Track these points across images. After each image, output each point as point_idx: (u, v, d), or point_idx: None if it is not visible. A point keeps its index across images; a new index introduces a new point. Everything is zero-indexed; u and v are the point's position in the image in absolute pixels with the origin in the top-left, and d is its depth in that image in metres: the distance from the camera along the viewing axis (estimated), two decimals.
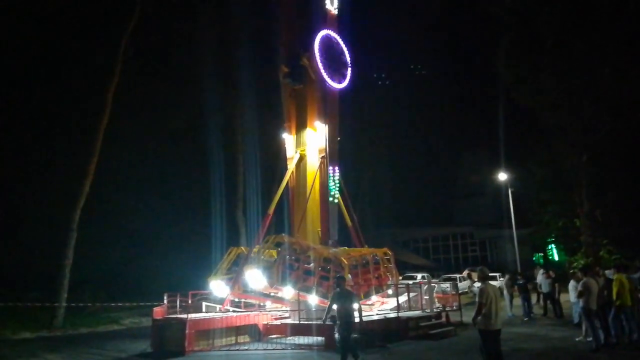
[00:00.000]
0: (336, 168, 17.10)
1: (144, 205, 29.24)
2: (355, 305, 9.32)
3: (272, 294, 15.20)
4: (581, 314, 11.52)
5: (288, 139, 18.15)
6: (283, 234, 15.90)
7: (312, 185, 16.79)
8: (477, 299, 7.91)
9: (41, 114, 25.68)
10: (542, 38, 27.15)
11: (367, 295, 16.09)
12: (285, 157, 18.29)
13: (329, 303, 9.61)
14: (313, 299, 14.15)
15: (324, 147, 16.99)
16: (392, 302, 15.78)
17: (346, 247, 17.28)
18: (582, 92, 26.81)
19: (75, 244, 19.93)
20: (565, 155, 28.46)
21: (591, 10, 25.79)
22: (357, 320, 9.26)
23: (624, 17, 24.94)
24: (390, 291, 16.48)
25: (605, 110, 26.57)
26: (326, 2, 18.48)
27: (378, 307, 16.26)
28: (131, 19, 21.62)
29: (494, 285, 8.11)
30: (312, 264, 14.79)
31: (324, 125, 17.14)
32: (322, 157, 17.04)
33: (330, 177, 16.81)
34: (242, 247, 17.38)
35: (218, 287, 15.96)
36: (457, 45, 42.36)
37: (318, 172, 17.00)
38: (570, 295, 14.01)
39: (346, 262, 14.52)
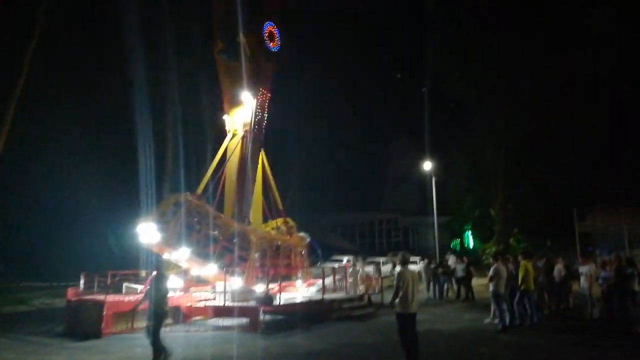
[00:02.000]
0: (260, 144, 17.09)
1: (62, 177, 27.39)
2: (167, 292, 8.66)
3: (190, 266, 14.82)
4: (490, 297, 12.41)
5: (227, 119, 17.87)
6: (187, 193, 15.47)
7: (228, 160, 16.69)
8: (394, 283, 8.16)
9: None
10: (472, 33, 28.34)
11: (285, 279, 16.23)
12: (218, 133, 18.04)
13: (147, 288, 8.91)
14: (211, 268, 14.07)
15: (249, 121, 16.87)
16: (317, 285, 16.10)
17: (265, 223, 17.42)
18: (504, 91, 28.45)
19: None
20: (485, 148, 30.19)
21: (517, 14, 27.26)
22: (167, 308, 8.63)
23: (544, 24, 26.61)
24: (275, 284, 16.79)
25: (524, 111, 28.38)
26: None
27: (303, 289, 16.54)
28: None
29: (412, 270, 8.39)
30: (216, 232, 14.58)
31: (252, 99, 17.02)
32: (246, 132, 16.91)
33: (249, 151, 16.75)
34: (188, 194, 15.60)
35: (148, 231, 14.34)
36: (389, 32, 43.15)
37: (239, 146, 16.86)
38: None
39: (254, 240, 14.57)
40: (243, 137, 16.95)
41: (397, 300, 7.97)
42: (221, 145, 17.91)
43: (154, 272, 8.84)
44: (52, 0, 20.70)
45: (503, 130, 29.10)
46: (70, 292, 13.50)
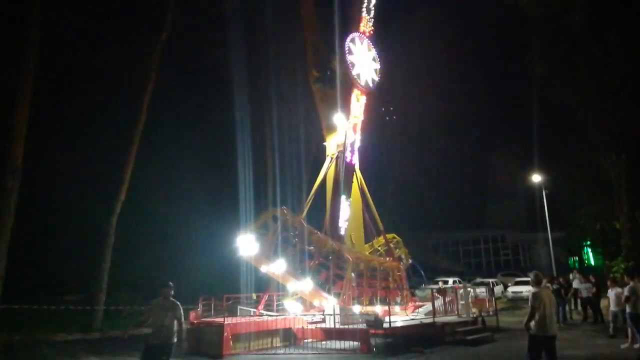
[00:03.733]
0: (355, 164, 17.19)
1: (176, 209, 29.73)
2: (176, 321, 7.60)
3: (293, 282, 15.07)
4: (627, 320, 11.11)
5: (327, 145, 18.40)
6: (283, 207, 15.81)
7: (322, 181, 17.06)
8: (530, 304, 7.70)
9: (80, 124, 26.49)
10: (576, 31, 26.32)
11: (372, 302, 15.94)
12: (315, 159, 18.53)
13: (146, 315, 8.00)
14: (306, 283, 14.14)
15: (342, 142, 17.10)
16: (427, 307, 15.62)
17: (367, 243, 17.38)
18: (618, 87, 25.86)
19: (112, 248, 20.39)
20: (602, 154, 27.49)
21: (628, 2, 24.95)
22: (175, 340, 7.62)
23: None
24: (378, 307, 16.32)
25: None
26: (362, 10, 18.63)
27: (411, 311, 16.13)
28: (163, 29, 22.12)
29: (547, 290, 7.92)
30: (312, 248, 14.73)
31: (346, 121, 17.27)
32: (339, 152, 17.13)
33: (342, 169, 16.89)
34: (284, 208, 16.03)
35: (247, 243, 14.87)
36: (487, 41, 41.45)
37: (332, 167, 17.11)
38: (611, 304, 13.52)
39: (350, 259, 14.48)
40: (336, 158, 17.20)
41: (532, 322, 7.52)
42: (320, 170, 18.35)
43: (158, 298, 7.87)
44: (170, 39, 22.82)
45: (620, 131, 26.34)
46: (192, 315, 14.41)
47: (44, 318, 18.63)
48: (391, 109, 41.21)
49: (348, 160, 17.18)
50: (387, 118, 41.45)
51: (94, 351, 13.87)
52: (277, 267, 14.49)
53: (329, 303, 14.21)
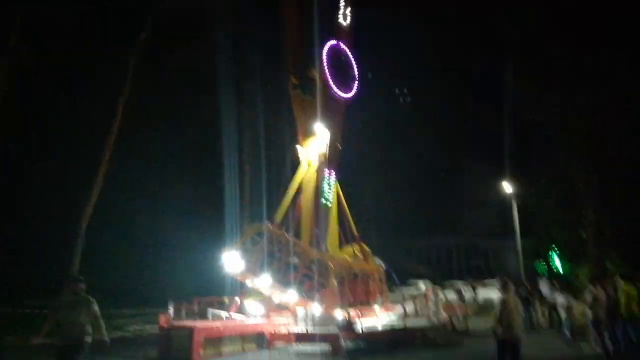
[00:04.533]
0: (332, 171, 17.29)
1: (149, 211, 29.31)
2: (94, 318, 7.08)
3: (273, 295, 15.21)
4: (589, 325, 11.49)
5: (300, 149, 18.39)
6: (267, 223, 15.85)
7: (301, 188, 17.08)
8: (497, 309, 7.94)
9: (52, 124, 25.87)
10: (551, 56, 27.24)
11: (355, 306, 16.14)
12: (292, 162, 18.56)
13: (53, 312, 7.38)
14: (291, 295, 14.27)
15: (324, 152, 17.20)
16: (397, 310, 15.81)
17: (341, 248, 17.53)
18: (591, 110, 26.75)
19: (82, 252, 19.99)
20: (571, 169, 28.45)
21: (600, 31, 25.84)
22: (90, 339, 7.05)
23: (632, 37, 24.95)
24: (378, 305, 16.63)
25: (615, 129, 26.50)
26: (339, 17, 18.76)
27: (383, 316, 16.29)
28: (142, 33, 21.94)
29: (514, 296, 8.19)
30: (296, 260, 14.87)
31: (326, 130, 17.37)
32: (321, 162, 17.24)
33: (325, 179, 16.97)
34: (268, 223, 16.10)
35: (232, 260, 14.98)
36: (464, 58, 42.39)
37: (315, 176, 17.19)
38: (560, 312, 14.07)
39: (332, 267, 14.62)
40: (319, 168, 17.27)
41: (499, 327, 7.77)
42: (295, 174, 18.39)
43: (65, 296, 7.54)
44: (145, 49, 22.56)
45: (593, 153, 27.23)
46: (162, 319, 14.20)
47: (10, 323, 18.08)
48: (405, 90, 41.50)
49: (329, 170, 17.32)
50: (402, 100, 41.75)
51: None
52: (263, 282, 14.50)
53: (314, 310, 14.25)
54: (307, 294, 14.45)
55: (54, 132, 25.96)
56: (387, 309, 16.92)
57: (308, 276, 14.82)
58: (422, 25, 38.86)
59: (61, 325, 7.04)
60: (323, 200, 16.88)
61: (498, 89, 33.86)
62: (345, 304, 15.22)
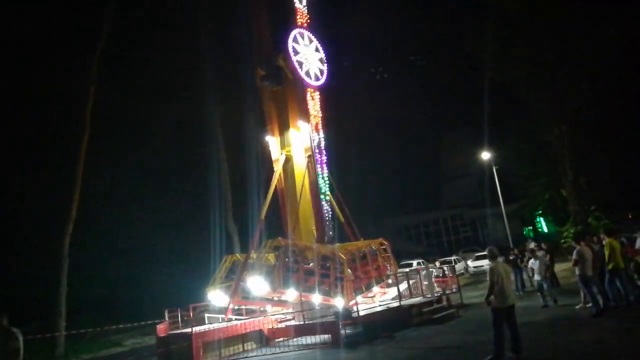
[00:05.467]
0: (324, 166, 17.19)
1: (133, 222, 28.96)
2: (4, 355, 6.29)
3: (274, 298, 15.27)
4: (578, 282, 11.73)
5: (271, 141, 18.17)
6: (279, 237, 15.88)
7: (302, 185, 16.85)
8: (488, 278, 8.11)
9: (21, 143, 25.26)
10: (512, 11, 27.30)
11: (368, 287, 16.36)
12: (271, 159, 18.30)
13: None
14: (316, 298, 14.21)
15: (309, 146, 17.02)
16: (392, 292, 15.92)
17: (342, 243, 17.38)
18: (556, 62, 27.06)
19: (69, 269, 19.67)
20: (545, 127, 28.79)
21: None
22: None
23: None
24: (390, 280, 16.72)
25: (580, 78, 26.86)
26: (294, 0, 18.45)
27: (379, 298, 16.39)
28: (99, 39, 21.43)
29: (504, 263, 8.33)
30: (311, 264, 14.87)
31: (307, 124, 17.16)
32: (309, 156, 17.05)
33: (319, 175, 16.89)
34: (237, 255, 17.34)
35: (217, 296, 15.97)
36: (431, 24, 42.39)
37: (306, 172, 17.05)
38: (535, 274, 14.36)
39: (344, 258, 14.64)
40: (308, 162, 17.15)
41: (492, 296, 7.96)
42: (271, 167, 18.20)
43: None
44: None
45: (560, 104, 27.61)
46: (160, 328, 14.12)
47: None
48: (380, 69, 41.43)
49: (319, 161, 17.19)
50: (378, 77, 41.75)
51: None
52: (290, 296, 14.40)
53: (313, 300, 14.24)
54: (330, 292, 14.38)
55: (22, 153, 25.37)
56: (382, 293, 17.01)
57: (325, 275, 14.79)
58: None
59: None
60: (322, 197, 16.84)
61: (469, 55, 33.89)
62: (362, 288, 15.54)
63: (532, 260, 15.10)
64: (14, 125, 25.00)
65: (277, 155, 17.93)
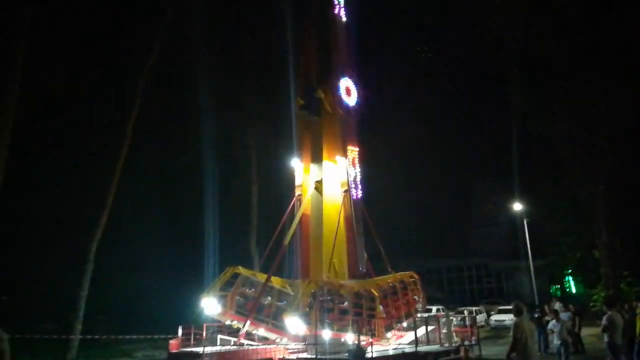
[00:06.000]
0: (360, 199, 17.31)
1: (157, 237, 29.38)
2: None
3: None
4: (607, 349, 11.18)
5: (298, 167, 18.37)
6: (316, 280, 15.70)
7: (338, 220, 16.91)
8: (512, 334, 7.79)
9: (61, 146, 26.20)
10: (555, 67, 27.21)
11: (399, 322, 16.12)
12: (294, 184, 18.46)
13: None
14: (350, 338, 14.00)
15: (346, 180, 17.17)
16: (409, 336, 15.52)
17: (374, 277, 17.36)
18: (596, 120, 26.65)
19: (92, 274, 20.00)
20: (581, 184, 28.11)
21: (604, 38, 25.89)
22: None
23: (635, 45, 24.96)
24: (404, 324, 16.36)
25: (619, 139, 26.35)
26: (335, 9, 18.92)
27: (394, 341, 16.00)
28: (151, 53, 22.35)
29: (529, 321, 8.07)
30: (345, 303, 14.73)
31: (344, 158, 17.38)
32: (345, 191, 17.19)
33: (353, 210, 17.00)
34: (240, 267, 16.81)
35: (209, 304, 15.55)
36: (470, 73, 42.71)
37: (342, 207, 17.16)
38: (555, 337, 13.67)
39: (377, 294, 14.55)
40: (344, 197, 17.31)
41: (514, 354, 7.64)
42: (294, 193, 18.30)
43: None
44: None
45: (599, 162, 27.03)
46: (172, 344, 14.11)
47: (19, 348, 17.98)
48: (425, 48, 42.16)
49: (355, 196, 17.32)
50: (424, 55, 42.38)
51: None
52: (325, 336, 14.15)
53: (324, 335, 13.99)
54: (362, 329, 14.19)
55: (59, 156, 26.25)
56: (398, 337, 16.61)
57: (358, 313, 14.68)
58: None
59: None
60: (355, 230, 16.89)
61: (504, 104, 33.76)
62: (394, 323, 15.46)
63: (553, 322, 14.23)
64: (56, 125, 25.98)
65: (300, 181, 18.09)
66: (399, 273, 17.98)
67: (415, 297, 17.20)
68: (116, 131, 22.11)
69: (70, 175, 26.70)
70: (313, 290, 14.79)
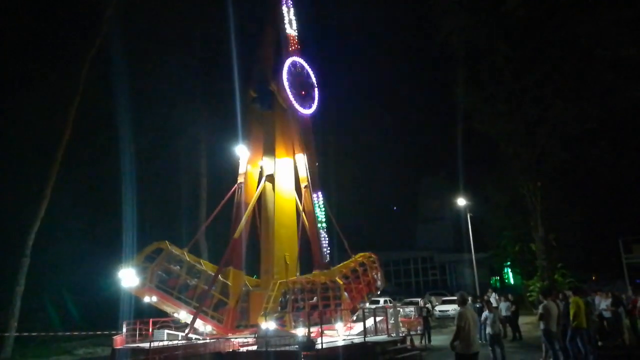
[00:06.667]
0: (319, 194, 17.39)
1: (99, 229, 28.25)
2: None
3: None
4: (542, 336, 11.87)
5: (243, 155, 18.20)
6: (287, 280, 15.71)
7: (302, 214, 17.05)
8: (455, 323, 8.08)
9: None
10: (499, 69, 28.37)
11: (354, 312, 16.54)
12: (237, 172, 18.34)
13: None
14: (339, 326, 14.38)
15: (306, 176, 17.23)
16: (358, 327, 15.80)
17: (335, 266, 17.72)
18: (535, 122, 28.08)
19: (29, 269, 18.98)
20: (521, 181, 29.57)
21: (544, 44, 27.22)
22: None
23: (574, 53, 26.39)
24: (354, 317, 16.71)
25: (557, 141, 27.90)
26: (285, 26, 18.85)
27: (344, 332, 16.23)
28: (93, 42, 21.42)
29: (471, 310, 8.37)
30: (315, 298, 14.94)
31: (303, 155, 17.41)
32: (305, 187, 17.27)
33: (315, 204, 17.06)
34: (167, 242, 16.38)
35: (128, 276, 15.21)
36: (417, 73, 43.95)
37: (303, 201, 17.37)
38: (488, 325, 13.84)
39: (341, 282, 14.79)
40: (305, 192, 17.38)
41: (457, 342, 7.91)
42: (245, 192, 18.13)
43: None
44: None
45: (537, 161, 28.58)
46: (117, 340, 13.67)
47: None
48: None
49: (316, 194, 17.39)
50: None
51: None
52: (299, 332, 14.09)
53: (270, 327, 13.99)
54: (330, 320, 14.52)
55: None
56: (348, 328, 16.87)
57: (326, 305, 15.01)
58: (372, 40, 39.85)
59: None
60: (320, 225, 16.95)
61: (452, 106, 34.90)
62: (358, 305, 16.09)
63: (485, 312, 14.07)
64: None
65: (244, 169, 18.01)
66: (359, 254, 18.60)
67: (375, 274, 17.74)
68: (58, 119, 21.04)
69: (10, 165, 25.10)
70: (283, 290, 14.86)
